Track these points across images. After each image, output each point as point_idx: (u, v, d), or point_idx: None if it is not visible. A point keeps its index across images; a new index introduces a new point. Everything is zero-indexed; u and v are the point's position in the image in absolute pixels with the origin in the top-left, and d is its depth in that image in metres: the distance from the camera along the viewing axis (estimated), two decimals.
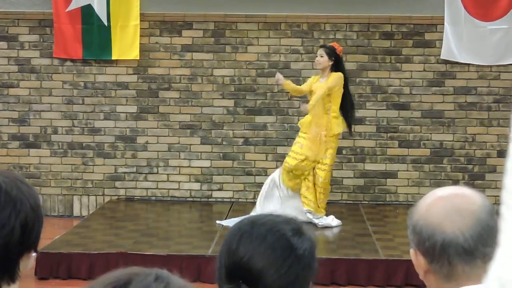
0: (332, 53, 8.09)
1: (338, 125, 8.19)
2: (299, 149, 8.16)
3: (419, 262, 1.78)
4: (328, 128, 8.11)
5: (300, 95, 8.62)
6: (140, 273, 1.14)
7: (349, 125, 8.31)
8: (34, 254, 1.75)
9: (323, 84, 8.04)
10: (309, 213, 8.19)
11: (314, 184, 8.21)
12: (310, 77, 8.42)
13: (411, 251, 1.81)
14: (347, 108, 8.24)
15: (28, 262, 1.74)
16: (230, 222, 8.35)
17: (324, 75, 8.13)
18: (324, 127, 8.09)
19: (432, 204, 1.79)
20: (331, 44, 8.36)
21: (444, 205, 1.77)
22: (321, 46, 8.33)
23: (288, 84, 8.19)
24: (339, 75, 8.09)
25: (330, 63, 8.07)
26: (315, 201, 8.21)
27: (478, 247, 1.72)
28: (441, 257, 1.73)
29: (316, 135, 8.09)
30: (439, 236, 1.73)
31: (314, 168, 8.19)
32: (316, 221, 8.18)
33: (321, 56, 8.10)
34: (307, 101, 8.26)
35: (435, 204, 1.78)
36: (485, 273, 1.71)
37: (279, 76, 8.13)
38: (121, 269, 1.17)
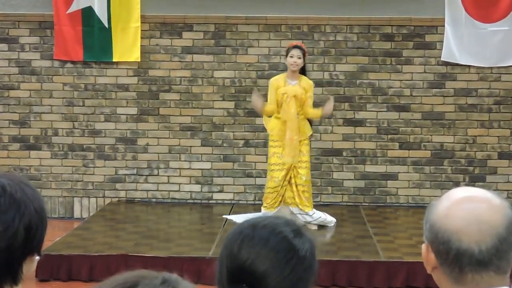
0: (304, 54, 8.03)
1: (308, 128, 8.19)
2: (280, 160, 8.04)
3: (429, 258, 1.78)
4: (300, 132, 8.07)
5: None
6: (147, 276, 1.14)
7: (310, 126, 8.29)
8: (37, 257, 1.75)
9: (298, 88, 7.96)
10: (299, 213, 8.12)
11: (296, 184, 8.10)
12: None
13: (424, 245, 1.80)
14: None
15: (32, 265, 1.74)
16: (238, 218, 8.38)
17: (294, 77, 8.02)
18: (296, 131, 8.00)
19: (453, 209, 1.76)
20: (300, 44, 8.25)
21: (465, 214, 1.74)
22: (294, 46, 8.04)
23: (266, 106, 8.08)
24: (312, 85, 8.10)
25: (303, 64, 8.06)
26: (297, 198, 8.12)
27: (493, 259, 1.71)
28: (453, 263, 1.73)
29: (291, 140, 7.99)
30: (454, 245, 1.72)
31: (293, 169, 8.09)
32: (308, 218, 8.11)
33: (299, 58, 7.94)
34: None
35: (455, 210, 1.76)
36: (496, 282, 1.72)
37: (257, 98, 8.04)
38: (128, 271, 1.17)
